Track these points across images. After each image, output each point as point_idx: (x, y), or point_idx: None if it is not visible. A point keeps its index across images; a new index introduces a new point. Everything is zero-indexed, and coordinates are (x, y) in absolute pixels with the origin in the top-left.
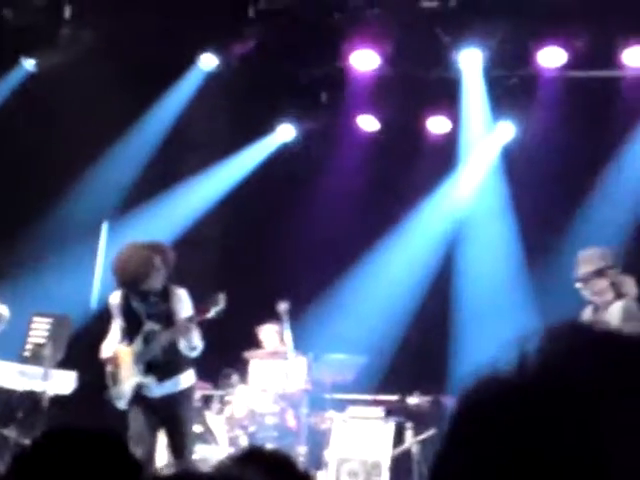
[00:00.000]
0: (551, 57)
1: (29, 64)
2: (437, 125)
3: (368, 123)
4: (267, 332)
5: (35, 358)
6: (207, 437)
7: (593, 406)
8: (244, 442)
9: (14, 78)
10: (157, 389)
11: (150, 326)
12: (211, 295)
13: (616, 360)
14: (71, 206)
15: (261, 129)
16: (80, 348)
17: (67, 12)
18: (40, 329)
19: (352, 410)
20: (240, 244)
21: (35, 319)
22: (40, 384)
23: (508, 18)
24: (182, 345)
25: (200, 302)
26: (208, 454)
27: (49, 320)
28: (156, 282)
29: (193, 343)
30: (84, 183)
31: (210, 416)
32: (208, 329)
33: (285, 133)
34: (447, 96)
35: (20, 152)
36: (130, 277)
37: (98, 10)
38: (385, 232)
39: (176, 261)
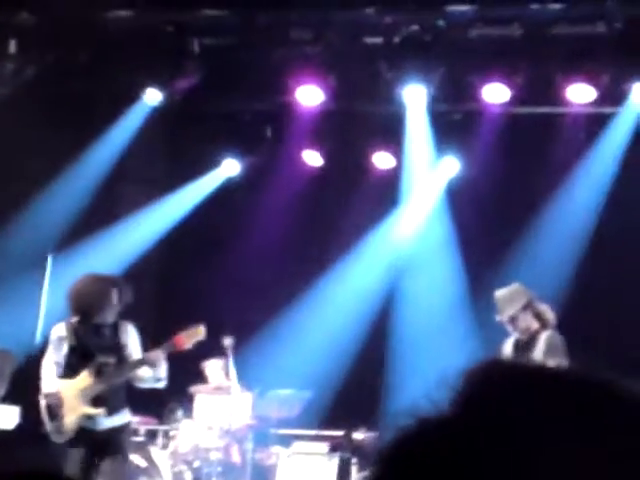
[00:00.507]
0: (494, 93)
1: None
2: (381, 160)
3: (312, 158)
4: (212, 367)
5: None
6: (151, 472)
7: (522, 446)
8: (188, 477)
9: None
10: (106, 422)
11: (103, 359)
12: (189, 326)
13: (537, 396)
14: (14, 240)
15: (205, 164)
16: (24, 383)
17: (12, 47)
18: None
19: (297, 445)
20: (182, 278)
21: None
22: None
23: (451, 54)
24: (147, 376)
25: (177, 333)
26: None
27: None
28: (109, 316)
29: (160, 375)
30: (27, 217)
31: (154, 451)
32: None
33: (229, 168)
34: (391, 131)
35: None
36: (85, 307)
37: (43, 45)
38: (328, 267)
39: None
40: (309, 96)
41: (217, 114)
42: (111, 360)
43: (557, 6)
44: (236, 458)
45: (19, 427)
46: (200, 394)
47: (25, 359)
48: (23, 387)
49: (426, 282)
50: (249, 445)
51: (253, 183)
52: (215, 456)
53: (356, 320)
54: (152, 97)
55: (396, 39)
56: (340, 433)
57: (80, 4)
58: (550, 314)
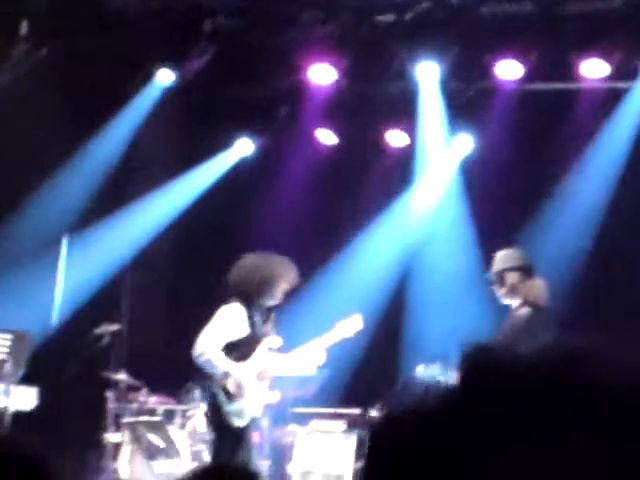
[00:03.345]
0: (507, 70)
1: None
2: (395, 138)
3: (326, 137)
4: None
5: None
6: (170, 451)
7: (489, 445)
8: (207, 457)
9: None
10: None
11: None
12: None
13: (515, 394)
14: (29, 222)
15: (219, 144)
16: (41, 364)
17: (24, 29)
18: (0, 345)
19: (314, 424)
20: (199, 259)
21: None
22: (1, 400)
23: (464, 31)
24: None
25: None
26: (171, 469)
27: (9, 337)
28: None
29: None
30: (41, 199)
31: (173, 430)
32: (171, 343)
33: (244, 148)
34: (405, 109)
35: None
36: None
37: (55, 26)
38: (343, 245)
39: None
40: (322, 75)
41: (230, 94)
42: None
43: None
44: (254, 437)
45: (37, 408)
46: None
47: (42, 341)
48: (41, 369)
49: (441, 259)
50: (266, 423)
51: (267, 163)
52: None
53: (372, 297)
54: (165, 78)
55: (408, 17)
56: (357, 411)
57: None
58: (541, 291)
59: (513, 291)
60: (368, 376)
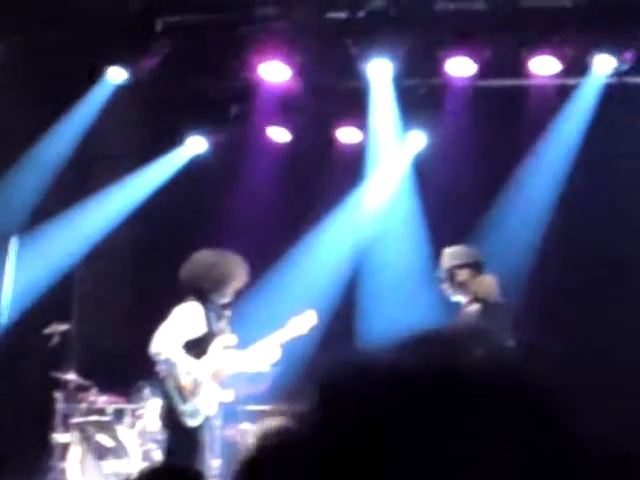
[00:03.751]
0: (459, 67)
1: None
2: (348, 135)
3: (279, 134)
4: None
5: None
6: (119, 451)
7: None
8: (157, 456)
9: None
10: None
11: None
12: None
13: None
14: None
15: (172, 142)
16: None
17: None
18: None
19: (266, 422)
20: (153, 256)
21: None
22: None
23: (416, 28)
24: None
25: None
26: (120, 469)
27: None
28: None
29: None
30: None
31: (122, 430)
32: (121, 344)
33: (196, 145)
34: (357, 107)
35: None
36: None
37: (9, 24)
38: (297, 242)
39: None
40: (274, 72)
41: (184, 92)
42: None
43: None
44: (207, 436)
45: None
46: None
47: None
48: None
49: (393, 255)
50: (218, 422)
51: (222, 160)
52: None
53: (325, 293)
54: (117, 76)
55: (361, 14)
56: None
57: None
58: (491, 287)
59: (463, 288)
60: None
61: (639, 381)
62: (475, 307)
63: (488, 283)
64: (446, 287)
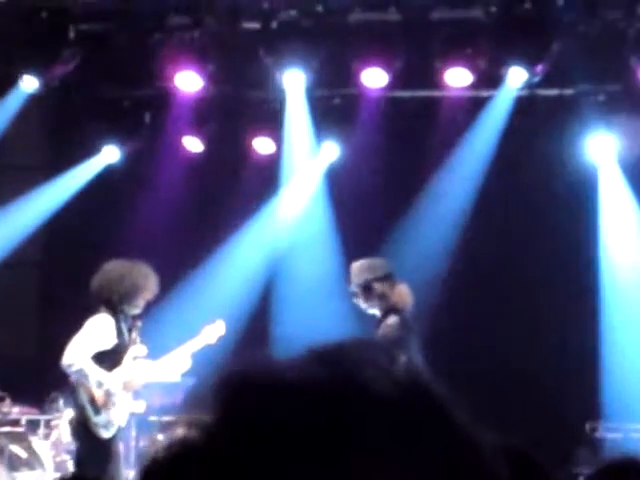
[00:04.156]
0: (373, 78)
1: None
2: (262, 146)
3: (192, 144)
4: None
5: None
6: (33, 462)
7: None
8: (71, 467)
9: None
10: None
11: None
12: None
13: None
14: None
15: (85, 151)
16: None
17: None
18: None
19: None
20: (62, 267)
21: None
22: None
23: (330, 39)
24: None
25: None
26: None
27: None
28: None
29: None
30: None
31: (36, 441)
32: (33, 355)
33: (109, 155)
34: (271, 117)
35: None
36: None
37: None
38: (211, 252)
39: None
40: (188, 82)
41: (95, 101)
42: None
43: None
44: (120, 447)
45: None
46: None
47: None
48: None
49: (306, 265)
50: (132, 433)
51: (135, 169)
52: None
53: (239, 303)
54: (29, 84)
55: (274, 24)
56: None
57: None
58: (406, 296)
59: (381, 300)
60: None
61: (533, 385)
62: (394, 319)
63: (406, 293)
64: (361, 301)
